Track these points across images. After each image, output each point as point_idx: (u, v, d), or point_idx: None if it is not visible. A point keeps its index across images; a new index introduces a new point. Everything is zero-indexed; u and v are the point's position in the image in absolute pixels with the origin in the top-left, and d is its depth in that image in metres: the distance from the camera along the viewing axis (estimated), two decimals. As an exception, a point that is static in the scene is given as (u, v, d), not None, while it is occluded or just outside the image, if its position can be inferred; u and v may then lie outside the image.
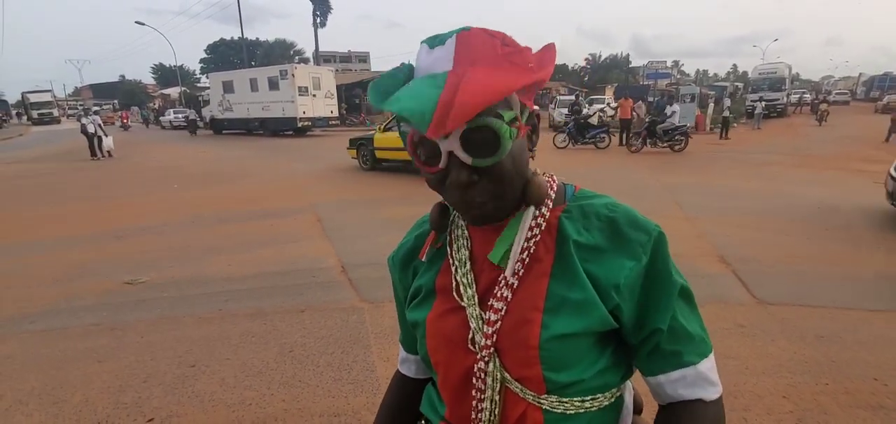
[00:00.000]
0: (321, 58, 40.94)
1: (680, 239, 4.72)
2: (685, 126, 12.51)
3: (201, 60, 60.83)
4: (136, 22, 32.32)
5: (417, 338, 0.69)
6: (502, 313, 0.58)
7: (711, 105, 20.27)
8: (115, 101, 60.33)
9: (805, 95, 35.87)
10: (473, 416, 0.62)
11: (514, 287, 0.58)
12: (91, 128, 13.80)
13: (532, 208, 0.60)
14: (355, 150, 10.47)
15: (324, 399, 2.33)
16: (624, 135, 13.88)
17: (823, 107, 21.58)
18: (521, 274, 0.59)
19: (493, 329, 0.58)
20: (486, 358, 0.58)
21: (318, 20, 39.48)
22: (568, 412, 0.59)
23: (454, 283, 0.63)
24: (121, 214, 6.82)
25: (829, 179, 8.31)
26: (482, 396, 0.60)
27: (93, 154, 13.93)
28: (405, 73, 0.56)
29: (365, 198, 7.52)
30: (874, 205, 5.92)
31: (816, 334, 2.86)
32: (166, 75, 63.78)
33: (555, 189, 0.63)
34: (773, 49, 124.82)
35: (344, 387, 2.42)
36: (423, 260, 0.68)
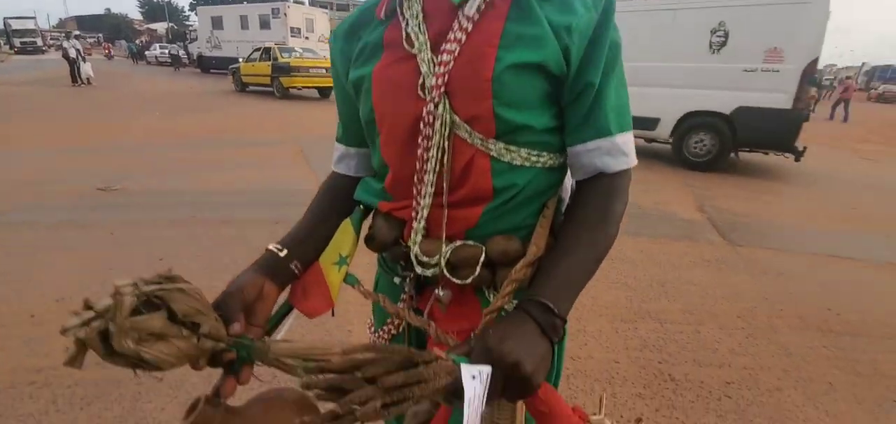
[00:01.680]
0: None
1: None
2: None
3: (191, -5, 58.57)
4: (121, -52, 30.73)
5: (360, 100, 0.65)
6: (455, 53, 0.57)
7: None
8: (100, 35, 58.14)
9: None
10: (419, 167, 0.60)
11: (469, 30, 0.57)
12: (72, 53, 13.58)
13: None
14: (232, 76, 14.32)
15: (290, 292, 2.35)
16: None
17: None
18: (476, 20, 0.57)
19: (445, 69, 0.57)
20: (436, 101, 0.57)
21: (315, -39, 37.96)
22: (514, 163, 0.59)
23: (404, 35, 0.60)
24: (99, 134, 6.68)
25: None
26: (429, 143, 0.58)
27: (73, 80, 13.67)
28: None
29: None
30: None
31: (778, 272, 2.94)
32: (154, 9, 61.46)
33: None
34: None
35: (311, 285, 2.44)
36: (381, 17, 0.64)
